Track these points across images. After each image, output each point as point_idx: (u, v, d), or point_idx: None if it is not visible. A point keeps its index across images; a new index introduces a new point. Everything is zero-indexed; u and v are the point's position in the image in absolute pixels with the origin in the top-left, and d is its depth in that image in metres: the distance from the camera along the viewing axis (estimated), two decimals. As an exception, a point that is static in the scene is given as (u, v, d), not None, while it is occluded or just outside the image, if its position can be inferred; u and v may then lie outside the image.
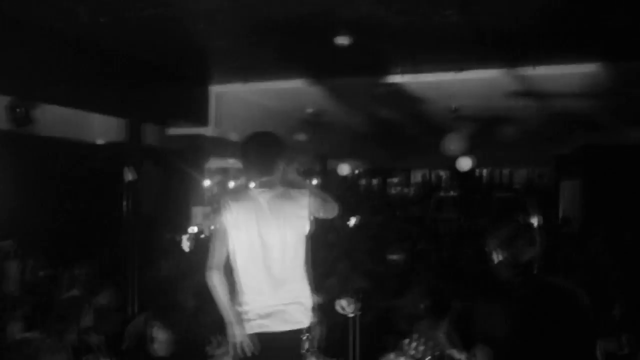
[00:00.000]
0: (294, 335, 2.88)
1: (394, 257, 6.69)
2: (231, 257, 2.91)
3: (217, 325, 3.38)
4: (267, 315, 2.87)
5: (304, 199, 2.93)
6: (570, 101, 7.03)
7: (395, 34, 4.24)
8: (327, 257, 7.13)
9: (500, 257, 2.42)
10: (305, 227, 2.93)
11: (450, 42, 4.53)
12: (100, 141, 6.68)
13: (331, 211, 3.04)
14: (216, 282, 2.91)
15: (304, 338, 2.90)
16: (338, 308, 4.42)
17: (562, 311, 2.25)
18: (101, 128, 6.53)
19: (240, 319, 2.89)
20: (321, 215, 3.01)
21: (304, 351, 2.91)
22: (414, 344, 2.68)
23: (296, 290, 2.91)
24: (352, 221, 13.86)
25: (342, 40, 4.22)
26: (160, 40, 4.47)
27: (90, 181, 6.59)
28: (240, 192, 3.03)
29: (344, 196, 19.10)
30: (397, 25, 4.03)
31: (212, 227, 3.05)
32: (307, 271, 2.98)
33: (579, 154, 10.53)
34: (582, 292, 2.33)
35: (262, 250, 2.88)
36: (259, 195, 2.91)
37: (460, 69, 5.45)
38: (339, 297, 4.55)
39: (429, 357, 2.61)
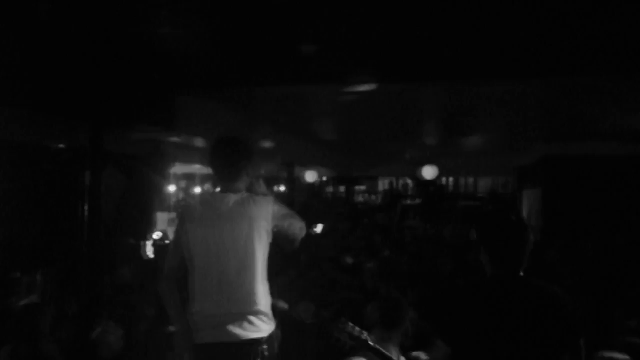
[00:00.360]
0: (246, 347, 2.74)
1: (348, 260, 6.77)
2: (187, 263, 2.83)
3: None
4: (218, 325, 2.75)
5: (267, 206, 2.85)
6: (530, 113, 7.20)
7: (359, 43, 4.28)
8: (292, 263, 7.14)
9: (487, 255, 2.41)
10: (266, 234, 2.83)
11: (415, 52, 4.60)
12: (60, 145, 6.55)
13: (298, 229, 2.94)
14: (165, 290, 2.84)
15: (259, 350, 2.75)
16: (295, 314, 4.42)
17: (547, 311, 2.25)
18: (61, 131, 6.40)
19: (188, 329, 2.80)
20: (288, 232, 2.89)
21: None
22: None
23: (252, 300, 2.77)
24: (319, 228, 13.91)
25: (307, 48, 4.24)
26: (123, 42, 4.41)
27: (50, 186, 6.46)
28: (201, 198, 2.98)
29: (311, 203, 19.17)
30: (361, 35, 4.08)
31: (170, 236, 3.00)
32: (267, 279, 2.87)
33: (540, 164, 10.79)
34: (566, 294, 2.35)
35: (218, 256, 2.78)
36: (220, 200, 2.85)
37: (425, 79, 5.53)
38: (298, 304, 4.56)
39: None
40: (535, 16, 3.68)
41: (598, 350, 3.38)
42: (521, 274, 2.36)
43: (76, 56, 4.64)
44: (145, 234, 8.32)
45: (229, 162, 2.90)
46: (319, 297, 5.19)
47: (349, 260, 7.08)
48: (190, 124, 6.34)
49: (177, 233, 2.88)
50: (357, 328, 2.75)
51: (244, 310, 2.76)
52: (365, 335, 2.73)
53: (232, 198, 2.85)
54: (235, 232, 2.80)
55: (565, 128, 8.58)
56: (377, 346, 2.74)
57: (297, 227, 2.94)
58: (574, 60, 4.75)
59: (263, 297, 2.82)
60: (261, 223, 2.81)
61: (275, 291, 3.06)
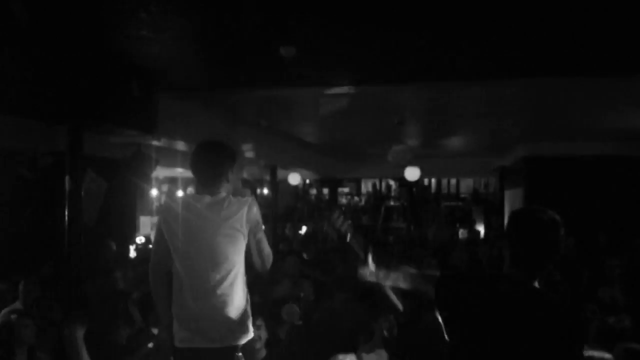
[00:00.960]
0: (224, 353, 2.74)
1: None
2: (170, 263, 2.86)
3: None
4: (196, 330, 2.75)
5: (242, 206, 2.84)
6: (512, 114, 7.29)
7: (340, 45, 4.30)
8: (277, 265, 7.14)
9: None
10: (242, 236, 2.83)
11: (396, 54, 4.63)
12: (39, 150, 6.47)
13: (269, 249, 2.96)
14: (152, 284, 2.89)
15: (237, 356, 2.75)
16: (284, 315, 4.44)
17: (550, 322, 2.14)
18: (40, 136, 6.33)
19: (170, 324, 2.81)
20: (260, 244, 2.92)
21: None
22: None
23: (229, 303, 2.76)
24: (303, 230, 13.92)
25: (287, 51, 4.25)
26: (101, 45, 4.39)
27: (29, 192, 6.38)
28: (181, 199, 2.97)
29: (295, 206, 19.17)
30: (342, 37, 4.09)
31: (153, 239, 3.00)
32: (245, 283, 2.87)
33: (521, 165, 10.92)
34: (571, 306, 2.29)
35: (194, 258, 2.78)
36: (198, 201, 2.85)
37: (405, 81, 5.57)
38: (284, 304, 4.58)
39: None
40: (514, 17, 3.72)
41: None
42: (536, 284, 2.22)
43: (54, 60, 4.60)
44: (129, 239, 8.25)
45: (209, 166, 2.92)
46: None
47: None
48: (172, 127, 6.31)
49: (158, 232, 2.90)
50: (347, 222, 2.84)
51: (220, 316, 2.75)
52: (347, 227, 2.82)
53: (209, 199, 2.86)
54: (208, 233, 2.79)
55: (546, 129, 8.70)
56: (355, 246, 2.79)
57: (267, 247, 2.96)
58: (554, 61, 4.82)
59: (240, 302, 2.81)
60: (235, 224, 2.80)
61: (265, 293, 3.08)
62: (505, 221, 2.44)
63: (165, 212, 2.90)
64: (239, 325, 2.80)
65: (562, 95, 6.16)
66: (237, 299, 2.80)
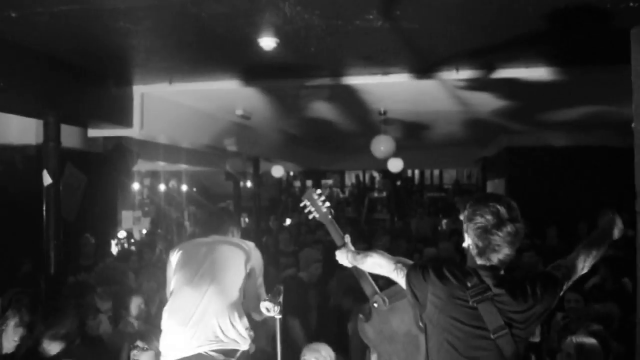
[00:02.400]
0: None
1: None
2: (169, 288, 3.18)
3: (138, 335, 3.55)
4: (186, 341, 2.96)
5: (247, 248, 3.23)
6: (493, 105, 7.31)
7: (320, 37, 4.27)
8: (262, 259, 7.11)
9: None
10: (242, 275, 3.12)
11: (375, 46, 4.61)
12: (16, 143, 6.35)
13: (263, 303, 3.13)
14: None
15: None
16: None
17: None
18: (17, 129, 6.22)
19: None
20: (259, 290, 3.27)
21: None
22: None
23: (224, 336, 2.98)
24: (288, 222, 13.90)
25: (268, 43, 4.21)
26: (78, 38, 4.30)
27: (7, 185, 6.26)
28: (189, 241, 3.44)
29: (279, 198, 19.13)
30: (321, 29, 4.06)
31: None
32: (242, 317, 3.13)
33: (503, 155, 11.00)
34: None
35: (193, 292, 3.01)
36: (203, 240, 3.27)
37: (386, 72, 5.55)
38: (264, 299, 4.55)
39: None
40: (492, 9, 3.72)
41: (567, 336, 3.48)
42: (502, 272, 2.25)
43: (31, 53, 4.51)
44: (110, 233, 8.16)
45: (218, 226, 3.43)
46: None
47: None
48: (154, 120, 6.23)
49: (167, 272, 3.28)
50: (326, 202, 2.93)
51: (215, 347, 2.98)
52: (327, 208, 2.93)
53: (214, 238, 3.31)
54: (212, 272, 3.10)
55: (527, 120, 8.76)
56: (334, 223, 2.91)
57: (263, 298, 3.18)
58: (535, 53, 4.84)
59: (234, 336, 3.05)
60: (239, 265, 3.15)
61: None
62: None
63: (172, 256, 3.26)
64: (233, 333, 3.07)
65: (542, 87, 6.19)
66: (235, 332, 3.06)
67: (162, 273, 3.84)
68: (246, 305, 3.18)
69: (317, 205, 2.93)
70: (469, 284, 2.18)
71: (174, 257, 3.19)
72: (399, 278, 2.39)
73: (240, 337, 3.02)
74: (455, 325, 2.18)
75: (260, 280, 3.24)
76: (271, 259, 7.33)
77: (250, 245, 3.30)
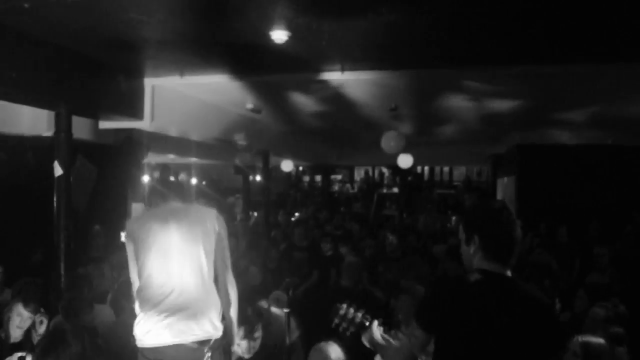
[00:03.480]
0: (192, 349, 2.89)
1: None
2: (138, 269, 3.06)
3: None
4: (163, 327, 2.90)
5: (211, 213, 3.15)
6: (504, 102, 7.26)
7: (332, 31, 4.25)
8: (272, 253, 7.13)
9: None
10: (211, 240, 3.06)
11: (387, 41, 4.58)
12: (28, 134, 6.39)
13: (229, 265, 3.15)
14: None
15: (205, 353, 2.89)
16: (272, 302, 4.42)
17: (534, 316, 2.18)
18: (29, 121, 6.25)
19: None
20: (224, 253, 3.17)
21: None
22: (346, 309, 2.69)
23: (198, 303, 2.95)
24: (295, 217, 13.90)
25: (279, 36, 4.19)
26: (89, 29, 4.31)
27: (18, 176, 6.31)
28: (146, 210, 3.32)
29: (288, 193, 19.14)
30: (333, 23, 4.04)
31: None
32: (215, 284, 3.09)
33: (514, 153, 10.93)
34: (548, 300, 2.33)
35: (162, 260, 2.96)
36: (164, 208, 3.15)
37: (396, 67, 5.52)
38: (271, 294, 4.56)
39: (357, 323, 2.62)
40: (505, 4, 3.69)
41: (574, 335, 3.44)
42: (509, 273, 2.26)
43: (43, 43, 4.52)
44: (119, 225, 8.20)
45: (181, 191, 3.32)
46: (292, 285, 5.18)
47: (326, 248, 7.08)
48: (164, 113, 6.24)
49: (127, 244, 3.17)
50: (357, 314, 2.69)
51: (189, 314, 2.94)
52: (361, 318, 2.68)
53: (175, 205, 3.17)
54: (178, 239, 3.02)
55: (538, 118, 8.69)
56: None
57: (229, 263, 3.19)
58: (548, 49, 4.79)
59: (209, 303, 3.03)
60: (205, 231, 3.07)
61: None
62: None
63: (131, 228, 3.16)
64: (209, 323, 2.98)
65: (557, 84, 6.13)
66: (208, 298, 3.03)
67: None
68: (217, 279, 3.15)
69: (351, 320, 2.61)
70: None
71: (136, 232, 3.06)
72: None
73: (213, 326, 2.99)
74: None
75: (225, 242, 3.17)
76: (284, 253, 7.35)
77: (210, 209, 3.22)
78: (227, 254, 3.18)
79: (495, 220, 2.28)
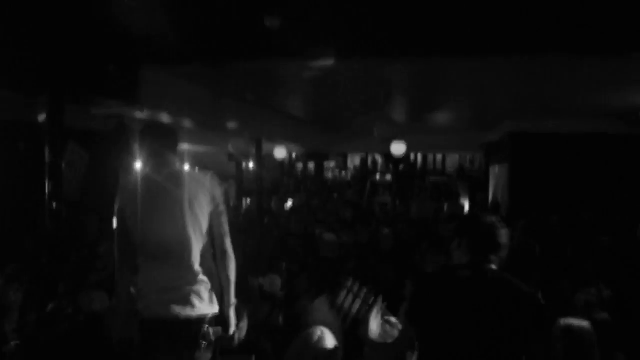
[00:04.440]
0: (188, 324, 2.80)
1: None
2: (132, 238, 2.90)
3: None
4: (160, 300, 2.80)
5: (205, 179, 2.96)
6: (497, 91, 7.27)
7: (326, 16, 4.22)
8: (264, 240, 7.15)
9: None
10: (205, 206, 2.89)
11: (383, 27, 4.56)
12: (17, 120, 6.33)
13: (226, 232, 2.98)
14: (122, 270, 2.93)
15: (202, 329, 2.80)
16: (266, 285, 4.44)
17: (514, 306, 2.33)
18: (19, 106, 6.19)
19: (129, 299, 2.87)
20: (222, 227, 2.97)
21: (204, 342, 2.80)
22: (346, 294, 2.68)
23: (194, 275, 2.84)
24: (289, 204, 13.91)
25: (272, 21, 4.17)
26: (82, 14, 4.27)
27: (7, 163, 6.26)
28: (138, 174, 3.05)
29: (281, 180, 19.13)
30: (327, 8, 4.02)
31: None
32: (210, 256, 2.94)
33: (507, 141, 10.95)
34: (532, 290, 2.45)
35: (159, 230, 2.83)
36: (155, 175, 2.91)
37: (393, 55, 5.50)
38: (266, 277, 4.57)
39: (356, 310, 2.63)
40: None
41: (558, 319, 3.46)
42: (494, 266, 2.45)
43: (35, 30, 4.47)
44: (111, 212, 8.17)
45: (157, 148, 2.97)
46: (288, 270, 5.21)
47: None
48: (157, 99, 6.20)
49: (117, 209, 2.96)
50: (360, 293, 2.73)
51: (185, 286, 2.82)
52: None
53: (168, 170, 2.92)
54: (173, 206, 2.84)
55: (532, 106, 8.70)
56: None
57: (227, 229, 2.99)
58: (539, 38, 4.78)
59: (203, 277, 2.88)
60: (200, 198, 2.88)
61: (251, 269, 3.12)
62: (491, 198, 2.64)
63: (124, 188, 2.95)
64: (204, 297, 2.86)
65: (548, 73, 6.14)
66: (202, 271, 2.88)
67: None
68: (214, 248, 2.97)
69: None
70: None
71: (131, 205, 2.87)
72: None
73: (211, 300, 2.90)
74: None
75: (222, 208, 2.98)
76: (279, 240, 7.37)
77: (206, 174, 3.04)
78: (225, 220, 2.99)
79: (481, 224, 2.55)
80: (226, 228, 3.00)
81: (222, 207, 2.98)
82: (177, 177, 2.90)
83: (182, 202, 2.84)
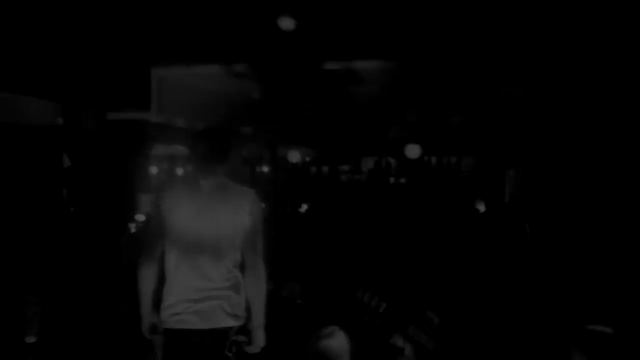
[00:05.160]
0: (215, 335, 2.77)
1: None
2: (165, 246, 2.83)
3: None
4: (189, 310, 2.76)
5: (248, 195, 2.89)
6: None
7: (340, 19, 4.21)
8: (278, 243, 7.13)
9: None
10: (244, 221, 2.83)
11: (394, 31, 4.54)
12: (35, 125, 6.38)
13: (260, 250, 2.93)
14: (143, 274, 2.84)
15: (229, 340, 2.78)
16: (285, 293, 4.43)
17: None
18: (36, 111, 6.24)
19: (153, 313, 2.83)
20: (256, 240, 2.91)
21: (229, 354, 2.77)
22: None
23: (225, 288, 2.80)
24: (304, 208, 13.88)
25: (287, 24, 4.16)
26: (96, 21, 4.29)
27: (27, 167, 6.31)
28: (182, 181, 2.97)
29: (295, 184, 19.08)
30: (341, 12, 4.00)
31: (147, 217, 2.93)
32: (241, 270, 2.90)
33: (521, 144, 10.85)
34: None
35: (195, 239, 2.76)
36: (201, 183, 2.84)
37: (405, 57, 5.48)
38: (285, 285, 4.56)
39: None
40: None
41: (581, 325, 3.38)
42: None
43: (51, 35, 4.51)
44: (128, 217, 8.22)
45: (213, 154, 2.87)
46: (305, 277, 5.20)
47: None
48: (169, 103, 6.23)
49: (155, 215, 2.86)
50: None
51: (216, 298, 2.78)
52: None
53: (213, 181, 2.85)
54: (213, 217, 2.79)
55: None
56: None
57: (261, 248, 2.93)
58: (554, 44, 4.74)
59: (235, 289, 2.85)
60: (239, 211, 2.83)
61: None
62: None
63: (164, 199, 2.85)
64: (233, 310, 2.83)
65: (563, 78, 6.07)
66: (235, 284, 2.85)
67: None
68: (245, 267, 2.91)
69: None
70: None
71: (172, 208, 2.78)
72: None
73: (238, 312, 2.86)
74: None
75: (259, 227, 2.90)
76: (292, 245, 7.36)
77: (249, 189, 2.94)
78: (260, 239, 2.92)
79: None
80: (260, 247, 2.94)
81: (260, 227, 2.92)
82: (223, 187, 2.86)
83: (226, 212, 2.80)
